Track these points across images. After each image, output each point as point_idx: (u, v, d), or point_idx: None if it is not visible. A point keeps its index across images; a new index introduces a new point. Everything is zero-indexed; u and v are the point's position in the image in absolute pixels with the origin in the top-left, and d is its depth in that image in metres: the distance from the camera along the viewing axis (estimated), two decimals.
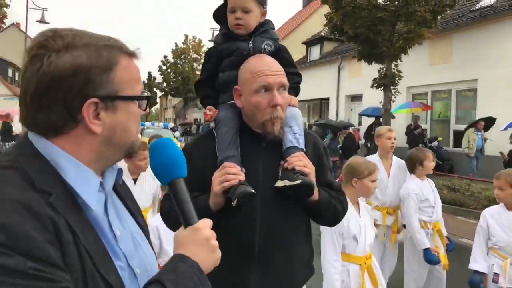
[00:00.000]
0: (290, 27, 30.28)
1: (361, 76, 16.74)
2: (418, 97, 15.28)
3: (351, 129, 15.36)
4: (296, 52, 25.88)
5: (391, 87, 12.03)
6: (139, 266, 0.95)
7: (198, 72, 40.88)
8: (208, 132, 1.71)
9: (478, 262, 2.97)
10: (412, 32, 11.27)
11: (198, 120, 36.31)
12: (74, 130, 0.86)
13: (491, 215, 2.99)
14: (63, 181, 0.84)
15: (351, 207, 2.53)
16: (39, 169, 0.82)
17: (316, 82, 21.71)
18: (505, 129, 10.55)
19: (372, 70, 13.06)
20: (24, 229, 0.72)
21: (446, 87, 14.03)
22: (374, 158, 3.95)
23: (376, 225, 3.86)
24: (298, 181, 1.43)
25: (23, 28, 27.30)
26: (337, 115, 19.89)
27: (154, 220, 2.75)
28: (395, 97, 12.29)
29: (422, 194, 3.53)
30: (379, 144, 4.00)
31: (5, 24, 18.53)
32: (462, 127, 13.42)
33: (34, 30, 26.83)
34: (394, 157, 4.03)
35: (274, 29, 1.82)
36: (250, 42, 1.70)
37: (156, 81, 48.31)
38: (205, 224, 0.98)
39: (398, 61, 12.22)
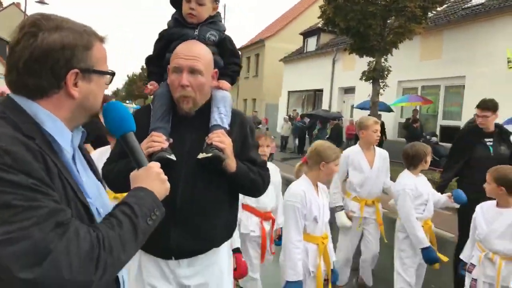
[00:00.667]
0: (288, 18, 30.30)
1: (354, 69, 16.92)
2: (409, 91, 15.50)
3: (347, 121, 15.60)
4: (294, 43, 26.00)
5: (380, 81, 12.24)
6: (102, 207, 1.20)
7: None
8: (147, 106, 1.95)
9: (464, 251, 3.14)
10: (402, 27, 11.45)
11: None
12: (56, 94, 1.09)
13: (482, 207, 3.03)
14: (43, 132, 1.05)
15: (312, 190, 2.66)
16: (24, 120, 1.04)
17: (311, 73, 21.91)
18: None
19: (364, 63, 13.25)
20: (24, 155, 0.94)
21: (435, 82, 14.26)
22: (356, 149, 3.97)
23: (352, 217, 3.92)
24: (210, 154, 1.68)
25: (23, 8, 27.23)
26: (330, 106, 20.11)
27: None
28: (383, 91, 12.51)
29: (416, 190, 3.43)
30: (363, 135, 3.91)
31: (2, 5, 18.37)
32: (449, 122, 13.71)
33: (34, 9, 26.78)
34: (377, 149, 4.03)
35: (221, 21, 2.05)
36: (197, 30, 1.92)
37: None
38: (155, 164, 1.28)
39: (389, 55, 12.43)
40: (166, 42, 1.96)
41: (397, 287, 3.47)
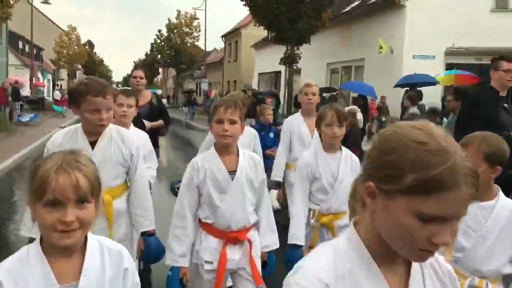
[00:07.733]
0: None
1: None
2: (334, 71, 19.46)
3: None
4: (264, 30, 29.52)
5: (294, 65, 16.32)
6: None
7: (188, 45, 44.68)
8: None
9: None
10: (307, 24, 15.41)
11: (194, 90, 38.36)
12: None
13: None
14: None
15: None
16: None
17: (273, 58, 25.47)
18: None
19: (308, 50, 17.20)
20: None
21: (348, 64, 18.23)
22: (297, 116, 4.05)
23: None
24: None
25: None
26: (285, 85, 24.04)
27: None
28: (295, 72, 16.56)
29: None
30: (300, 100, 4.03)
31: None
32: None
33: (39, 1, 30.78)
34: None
35: None
36: None
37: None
38: None
39: (309, 44, 16.39)
40: None
41: None
